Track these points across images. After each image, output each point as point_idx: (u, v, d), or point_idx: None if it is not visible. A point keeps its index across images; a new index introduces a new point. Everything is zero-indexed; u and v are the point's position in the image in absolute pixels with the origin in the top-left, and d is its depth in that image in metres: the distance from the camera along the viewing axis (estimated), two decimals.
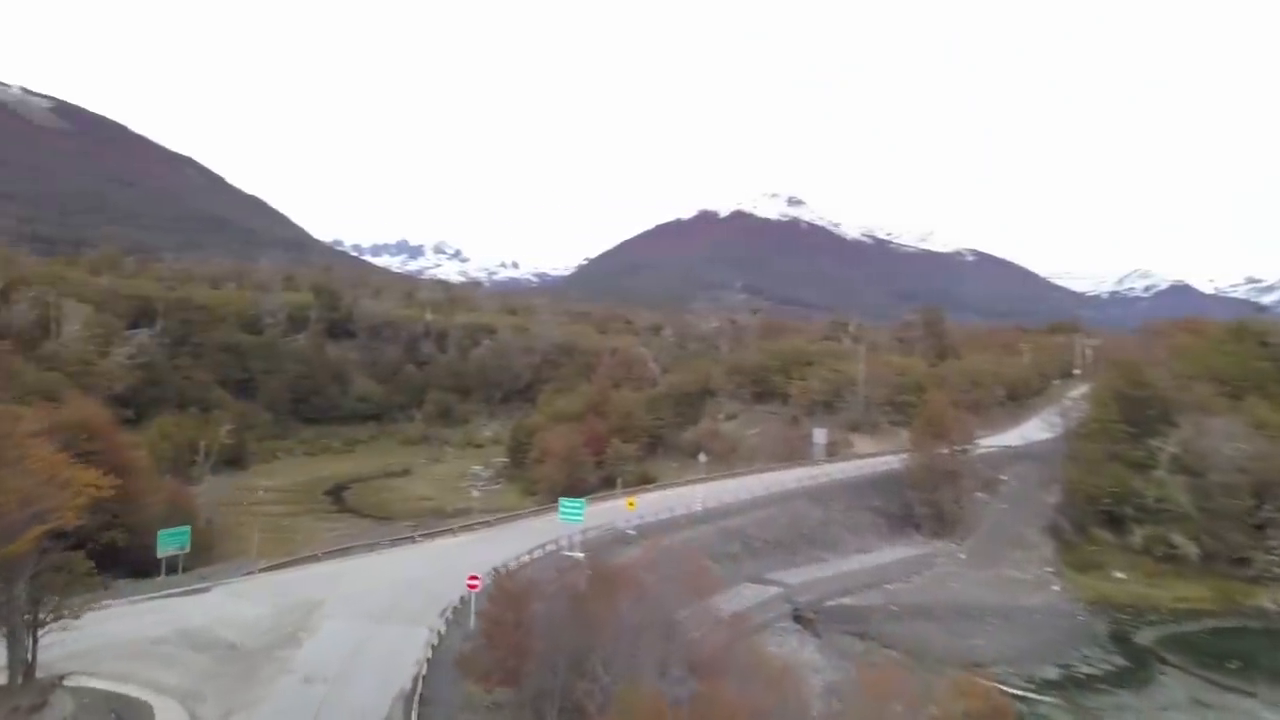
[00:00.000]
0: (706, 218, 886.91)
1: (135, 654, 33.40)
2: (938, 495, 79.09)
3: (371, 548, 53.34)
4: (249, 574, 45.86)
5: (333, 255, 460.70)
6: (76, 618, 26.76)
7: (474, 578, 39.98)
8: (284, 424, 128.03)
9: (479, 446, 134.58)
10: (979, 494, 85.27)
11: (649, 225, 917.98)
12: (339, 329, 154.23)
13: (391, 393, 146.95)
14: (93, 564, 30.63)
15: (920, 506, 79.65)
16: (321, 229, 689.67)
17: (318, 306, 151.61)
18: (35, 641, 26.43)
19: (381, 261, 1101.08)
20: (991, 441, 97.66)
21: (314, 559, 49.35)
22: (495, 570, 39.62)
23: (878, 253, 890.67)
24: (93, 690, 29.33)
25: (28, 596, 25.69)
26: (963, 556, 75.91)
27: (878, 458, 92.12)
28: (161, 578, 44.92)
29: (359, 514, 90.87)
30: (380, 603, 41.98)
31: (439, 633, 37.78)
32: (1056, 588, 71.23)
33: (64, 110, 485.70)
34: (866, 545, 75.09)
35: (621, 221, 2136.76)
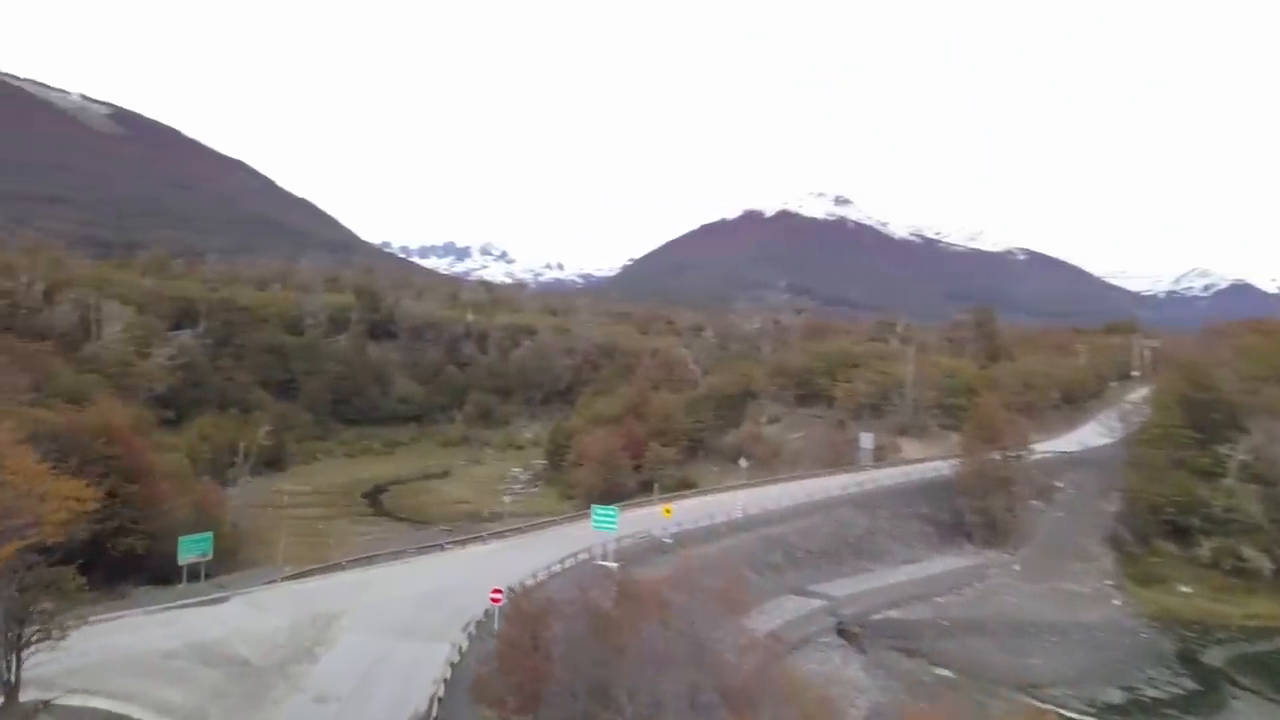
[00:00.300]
0: (752, 218, 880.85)
1: (143, 669, 32.01)
2: (990, 503, 75.61)
3: (398, 556, 51.82)
4: (270, 583, 44.54)
5: (380, 257, 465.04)
6: (62, 638, 25.13)
7: (498, 591, 38.11)
8: (324, 425, 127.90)
9: (519, 448, 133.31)
10: (1034, 502, 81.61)
11: (694, 226, 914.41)
12: (380, 330, 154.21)
13: (432, 394, 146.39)
14: (84, 579, 28.86)
15: (971, 514, 76.19)
16: (370, 231, 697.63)
17: (359, 307, 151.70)
18: (19, 662, 24.97)
19: (429, 263, 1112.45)
20: (1046, 446, 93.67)
21: (338, 567, 47.88)
22: (511, 589, 37.66)
23: (926, 252, 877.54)
24: (90, 710, 27.87)
25: (7, 615, 24.14)
26: (1017, 568, 72.48)
27: (927, 463, 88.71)
28: (182, 586, 43.73)
29: (395, 517, 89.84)
30: (402, 615, 40.32)
31: (460, 649, 35.96)
32: (1118, 602, 67.51)
33: (121, 116, 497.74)
34: (915, 555, 71.98)
35: (667, 222, 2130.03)
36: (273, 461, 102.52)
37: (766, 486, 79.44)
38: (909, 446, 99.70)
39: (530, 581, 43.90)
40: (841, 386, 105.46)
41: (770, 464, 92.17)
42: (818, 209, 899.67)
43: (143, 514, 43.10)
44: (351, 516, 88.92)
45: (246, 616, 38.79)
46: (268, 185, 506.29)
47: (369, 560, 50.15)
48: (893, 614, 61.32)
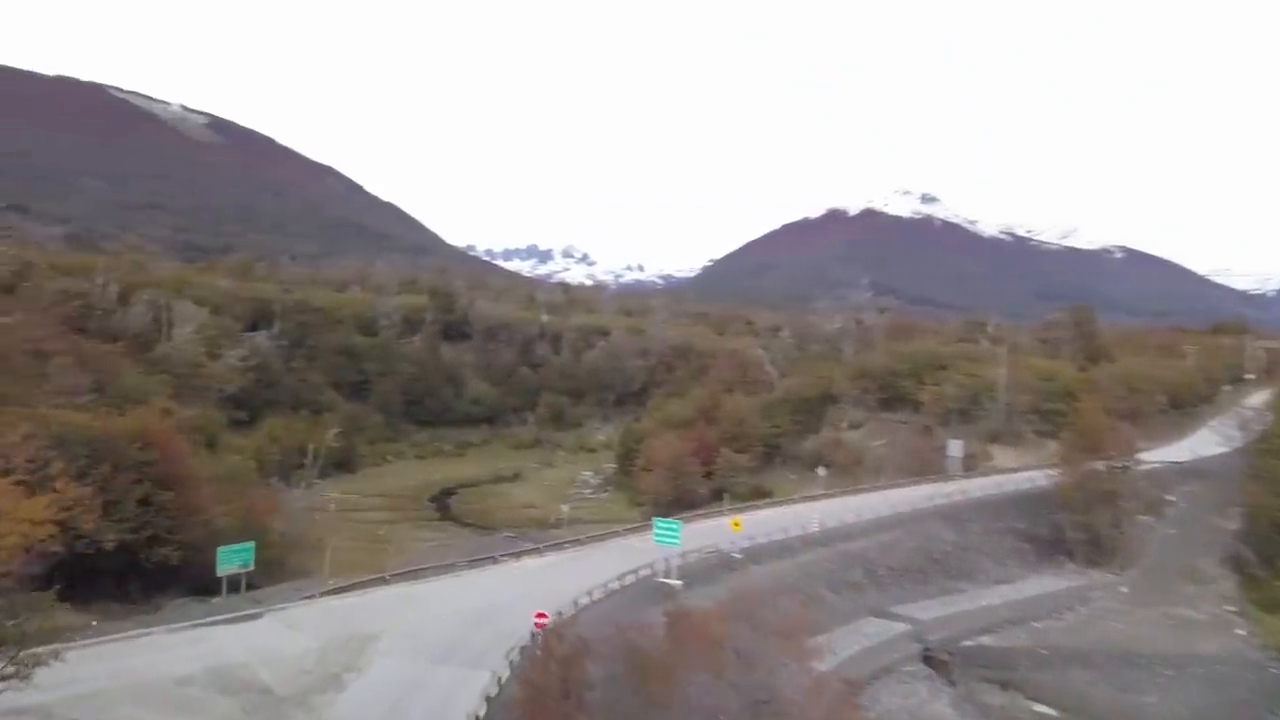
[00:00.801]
0: (835, 216, 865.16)
1: (152, 698, 29.52)
2: (1093, 517, 69.17)
3: (447, 569, 48.88)
4: (308, 598, 42.02)
5: (463, 259, 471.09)
6: (27, 677, 22.38)
7: (542, 615, 34.73)
8: (396, 426, 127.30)
9: (591, 451, 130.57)
10: (1142, 517, 74.65)
11: (776, 225, 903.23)
12: (454, 331, 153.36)
13: (505, 395, 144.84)
14: (66, 605, 26.25)
15: (1072, 530, 69.84)
16: (456, 235, 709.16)
17: (433, 308, 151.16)
18: None
19: (512, 266, 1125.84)
20: (1154, 456, 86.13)
21: (381, 582, 45.18)
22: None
23: (1017, 251, 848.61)
24: None
25: None
26: (1124, 590, 65.97)
27: (1021, 473, 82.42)
28: (219, 599, 41.58)
29: (459, 522, 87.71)
30: (442, 637, 37.27)
31: (500, 680, 32.64)
32: (1241, 631, 60.48)
33: (219, 126, 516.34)
34: (1010, 575, 66.15)
35: (749, 223, 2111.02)
36: (342, 463, 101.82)
37: (846, 497, 74.54)
38: (1001, 455, 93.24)
39: (574, 608, 40.58)
40: (928, 390, 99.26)
41: (851, 472, 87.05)
42: (903, 207, 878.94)
43: (179, 522, 41.09)
44: (416, 521, 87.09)
45: (276, 636, 36.22)
46: (355, 190, 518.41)
47: (415, 574, 47.35)
48: (985, 640, 55.93)
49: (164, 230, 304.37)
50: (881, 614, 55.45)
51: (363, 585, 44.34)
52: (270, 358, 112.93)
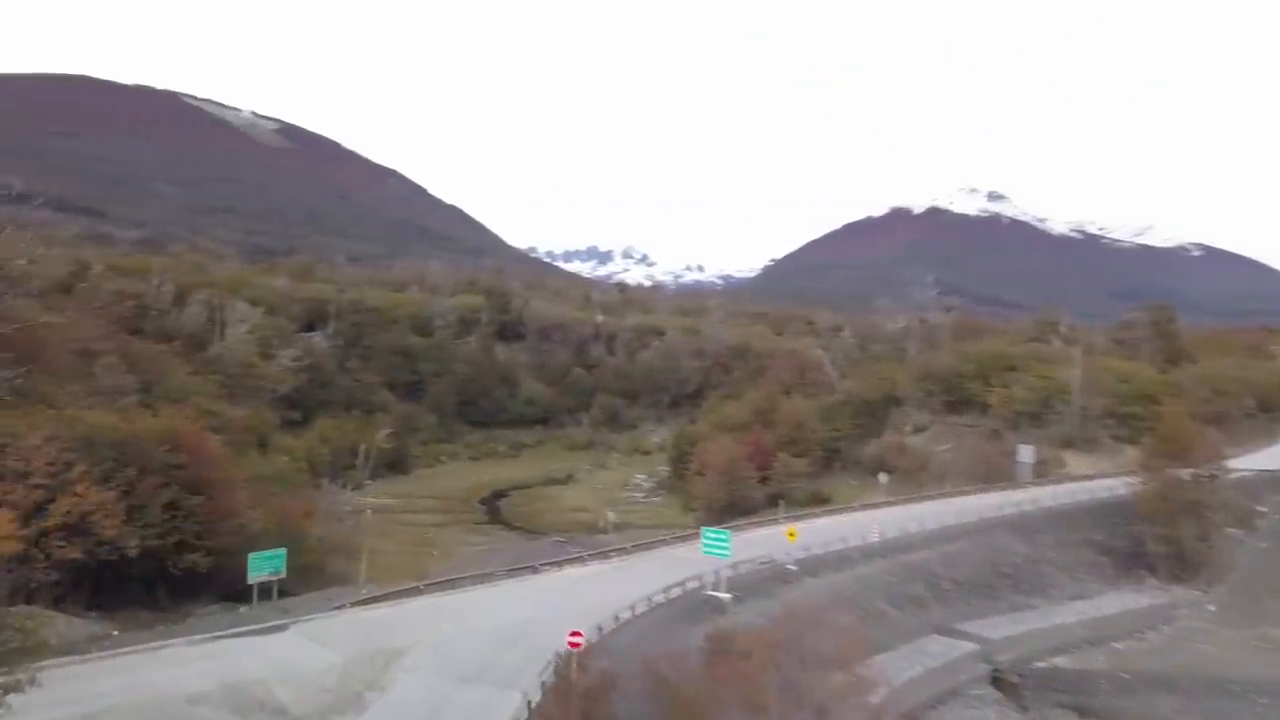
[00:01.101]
0: (899, 215, 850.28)
1: (163, 716, 27.92)
2: (1177, 529, 64.18)
3: (485, 578, 46.83)
4: (337, 608, 40.32)
5: (524, 261, 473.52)
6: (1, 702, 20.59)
7: (576, 634, 32.35)
8: (450, 427, 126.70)
9: (645, 453, 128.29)
10: (1230, 529, 69.40)
11: (838, 225, 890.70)
12: (509, 331, 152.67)
13: (559, 396, 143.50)
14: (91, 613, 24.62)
15: (1154, 543, 64.96)
16: (517, 236, 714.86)
17: (488, 308, 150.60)
18: None
19: (572, 267, 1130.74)
20: (1243, 463, 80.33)
21: (415, 592, 43.34)
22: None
23: (1088, 249, 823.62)
24: None
25: None
26: (1212, 609, 61.20)
27: (1097, 480, 77.43)
28: (248, 609, 40.19)
29: (508, 526, 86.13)
30: (473, 654, 35.16)
31: (530, 704, 30.35)
32: None
33: (288, 131, 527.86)
34: (1086, 590, 61.76)
35: (811, 222, 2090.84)
36: (395, 464, 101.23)
37: (909, 505, 70.90)
38: (1076, 461, 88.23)
39: (614, 623, 38.19)
40: (996, 392, 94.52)
41: (914, 478, 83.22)
42: (970, 205, 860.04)
43: (209, 527, 39.73)
44: (466, 524, 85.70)
45: (299, 650, 34.48)
46: (419, 193, 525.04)
47: (451, 583, 45.42)
48: (1060, 661, 52.08)
49: (235, 234, 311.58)
50: (946, 632, 51.87)
51: (396, 595, 42.51)
52: (324, 357, 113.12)
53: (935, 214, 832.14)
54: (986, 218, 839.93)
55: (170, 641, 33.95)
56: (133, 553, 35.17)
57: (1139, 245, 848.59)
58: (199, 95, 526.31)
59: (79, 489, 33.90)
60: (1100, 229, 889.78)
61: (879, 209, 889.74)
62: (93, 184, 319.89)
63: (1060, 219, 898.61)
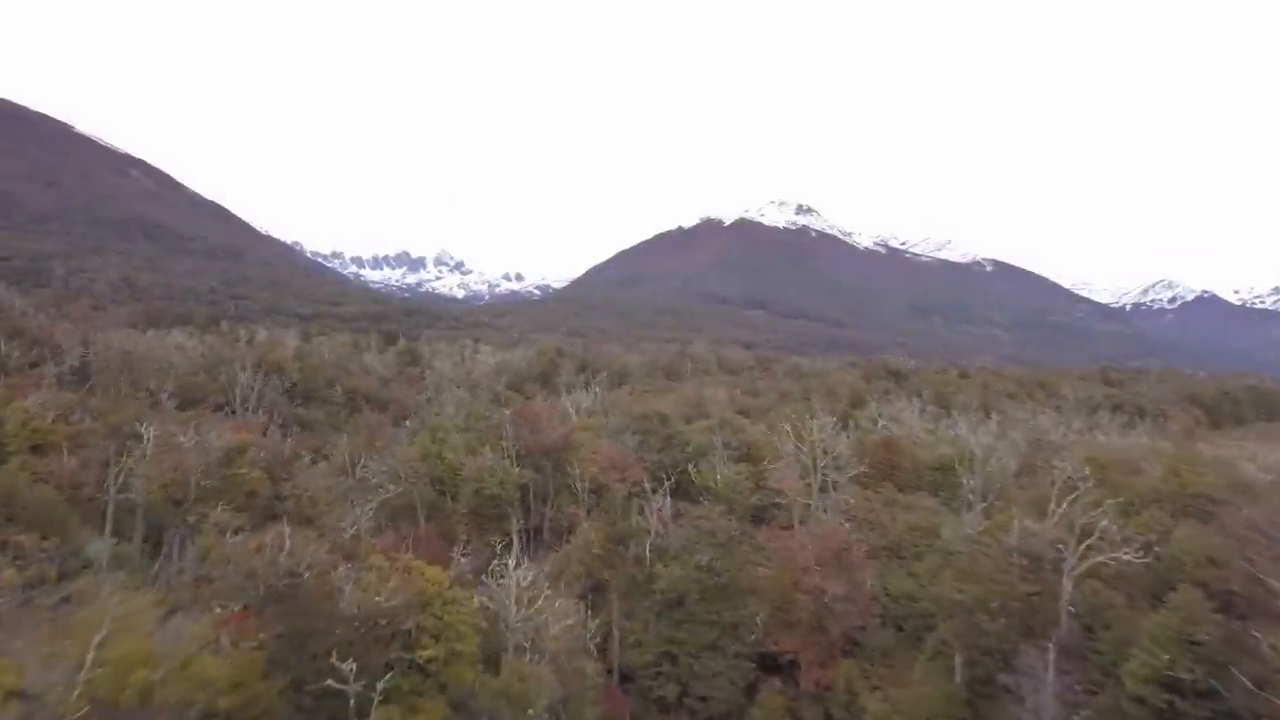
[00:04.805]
0: (709, 226, 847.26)
1: None
2: None
3: None
4: None
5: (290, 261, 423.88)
6: None
7: None
8: None
9: None
10: None
11: (649, 235, 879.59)
12: None
13: None
14: None
15: None
16: (320, 240, 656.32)
17: None
18: None
19: (381, 275, 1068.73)
20: None
21: None
22: None
23: (891, 263, 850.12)
24: None
25: None
26: None
27: None
28: None
29: None
30: None
31: None
32: None
33: None
34: None
35: (627, 230, 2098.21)
36: None
37: None
38: None
39: None
40: None
41: None
42: (779, 218, 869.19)
43: None
44: None
45: None
46: (170, 186, 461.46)
47: None
48: None
49: None
50: None
51: None
52: None
53: (745, 225, 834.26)
54: (795, 230, 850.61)
55: None
56: None
57: (938, 260, 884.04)
58: None
59: None
60: (902, 243, 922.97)
61: (690, 219, 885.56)
62: None
63: (866, 233, 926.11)
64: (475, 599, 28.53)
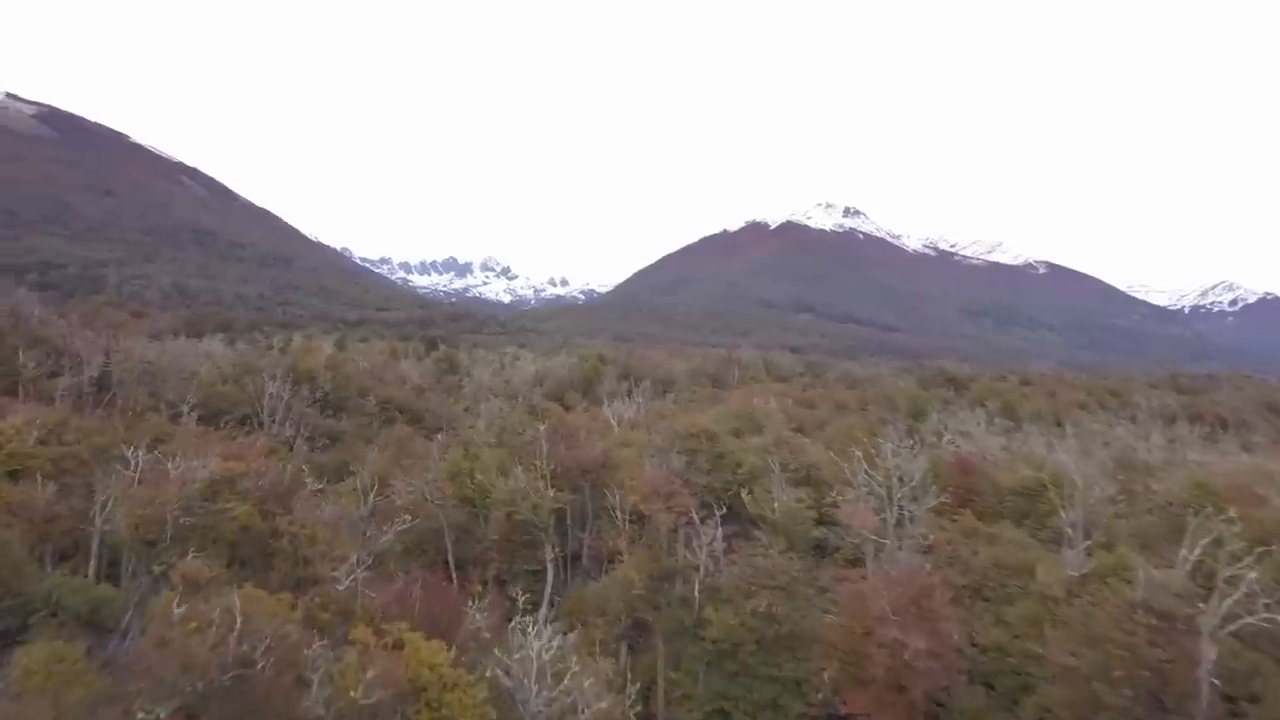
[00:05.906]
0: (756, 229, 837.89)
1: None
2: None
3: None
4: None
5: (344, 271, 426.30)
6: None
7: None
8: None
9: None
10: None
11: (695, 239, 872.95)
12: None
13: None
14: None
15: None
16: (368, 247, 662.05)
17: None
18: None
19: (429, 280, 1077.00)
20: None
21: None
22: None
23: (941, 265, 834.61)
24: None
25: None
26: None
27: None
28: None
29: None
30: None
31: None
32: None
33: (50, 116, 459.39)
34: None
35: (673, 235, 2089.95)
36: None
37: None
38: None
39: None
40: None
41: None
42: (826, 221, 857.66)
43: None
44: None
45: None
46: (222, 195, 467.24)
47: None
48: None
49: None
50: None
51: None
52: None
53: (792, 229, 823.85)
54: (843, 233, 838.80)
55: None
56: None
57: (988, 262, 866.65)
58: None
59: None
60: (952, 246, 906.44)
61: (735, 223, 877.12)
62: None
63: (915, 236, 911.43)
64: (485, 678, 23.32)
